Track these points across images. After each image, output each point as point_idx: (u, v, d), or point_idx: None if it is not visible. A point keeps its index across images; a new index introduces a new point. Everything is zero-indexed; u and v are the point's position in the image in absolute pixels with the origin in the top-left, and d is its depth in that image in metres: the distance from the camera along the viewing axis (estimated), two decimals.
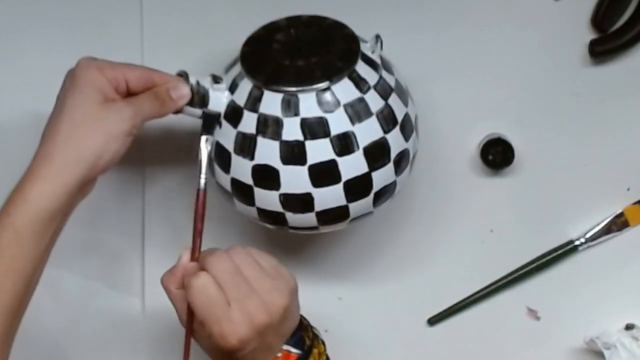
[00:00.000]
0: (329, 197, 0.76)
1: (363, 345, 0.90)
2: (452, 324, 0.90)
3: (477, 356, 0.87)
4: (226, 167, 0.78)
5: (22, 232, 0.68)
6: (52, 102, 0.89)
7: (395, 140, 0.78)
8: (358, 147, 0.76)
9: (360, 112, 0.76)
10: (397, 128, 0.78)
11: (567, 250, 0.90)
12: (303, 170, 0.75)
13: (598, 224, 0.90)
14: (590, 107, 0.90)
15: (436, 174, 0.90)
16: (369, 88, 0.77)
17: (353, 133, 0.75)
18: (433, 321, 0.90)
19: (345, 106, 0.75)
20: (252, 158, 0.76)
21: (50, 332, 0.91)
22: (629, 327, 0.87)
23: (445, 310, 0.90)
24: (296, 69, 0.76)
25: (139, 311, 0.90)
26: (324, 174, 0.75)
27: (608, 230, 0.90)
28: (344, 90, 0.76)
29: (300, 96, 0.75)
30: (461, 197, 0.90)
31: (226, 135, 0.77)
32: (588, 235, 0.90)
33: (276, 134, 0.75)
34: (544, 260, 0.89)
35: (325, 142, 0.75)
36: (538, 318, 0.89)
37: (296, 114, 0.75)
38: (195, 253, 0.73)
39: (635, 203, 0.90)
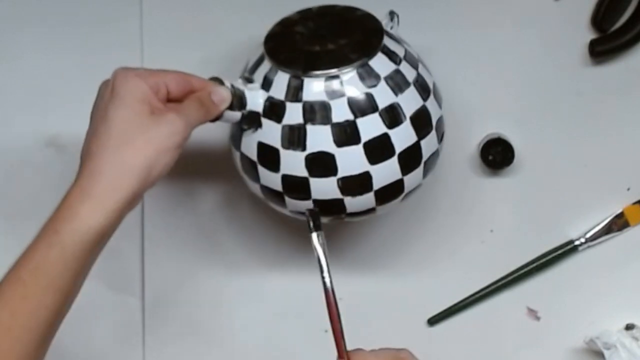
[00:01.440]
0: (386, 172, 0.77)
1: (363, 345, 0.89)
2: (452, 324, 0.90)
3: (477, 356, 0.87)
4: (275, 166, 0.77)
5: (70, 250, 0.66)
6: (51, 102, 0.90)
7: (433, 107, 0.79)
8: (405, 117, 0.76)
9: (400, 83, 0.77)
10: (432, 95, 0.79)
11: (567, 250, 0.90)
12: (358, 150, 0.75)
13: (598, 224, 0.90)
14: (590, 107, 0.90)
15: (436, 173, 0.90)
16: (400, 60, 0.78)
17: (398, 104, 0.76)
18: (433, 321, 0.90)
19: (386, 79, 0.76)
20: (303, 148, 0.75)
21: None
22: (629, 327, 0.87)
23: (445, 310, 0.90)
24: (329, 52, 0.76)
25: (139, 311, 0.90)
26: (378, 149, 0.76)
27: (608, 230, 0.90)
28: (381, 64, 0.76)
29: (343, 77, 0.75)
30: (461, 197, 0.90)
31: (270, 133, 0.76)
32: (588, 235, 0.90)
33: (326, 118, 0.75)
34: (544, 260, 0.89)
35: (375, 116, 0.75)
36: (538, 318, 0.89)
37: (342, 94, 0.75)
38: (343, 355, 0.73)
39: (635, 203, 0.90)
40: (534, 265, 0.89)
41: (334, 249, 0.90)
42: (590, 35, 0.89)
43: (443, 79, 0.90)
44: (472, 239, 0.90)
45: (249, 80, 0.78)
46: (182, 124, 0.69)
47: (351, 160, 0.76)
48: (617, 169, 0.90)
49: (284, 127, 0.76)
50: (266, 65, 0.78)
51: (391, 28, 0.80)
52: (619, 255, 0.90)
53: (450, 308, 0.90)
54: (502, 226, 0.90)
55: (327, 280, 0.72)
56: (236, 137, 0.80)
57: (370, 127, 0.75)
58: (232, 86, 0.76)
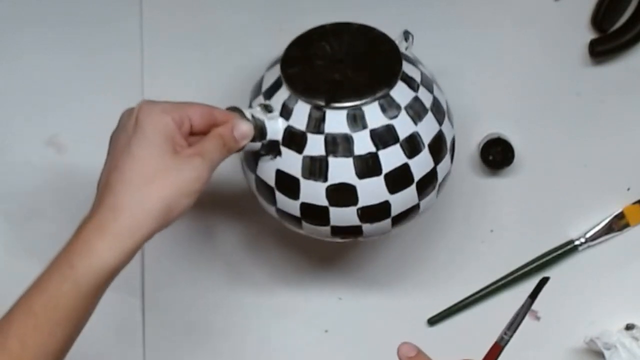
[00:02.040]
0: (404, 199, 0.77)
1: (363, 345, 0.89)
2: (452, 324, 0.90)
3: (477, 356, 0.86)
4: (294, 194, 0.77)
5: (83, 285, 0.65)
6: (51, 102, 0.90)
7: (447, 130, 0.79)
8: (424, 146, 0.76)
9: (419, 111, 0.76)
10: (446, 117, 0.79)
11: (567, 250, 0.90)
12: (379, 181, 0.75)
13: (598, 224, 0.90)
14: (590, 107, 0.90)
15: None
16: (418, 86, 0.77)
17: (417, 133, 0.76)
18: (433, 321, 0.89)
19: (406, 108, 0.76)
20: (325, 180, 0.75)
21: None
22: (629, 327, 0.87)
23: (445, 310, 0.90)
24: (350, 81, 0.75)
25: (139, 311, 0.90)
26: (398, 179, 0.76)
27: (608, 230, 0.90)
28: (401, 93, 0.76)
29: (365, 108, 0.75)
30: (461, 197, 0.90)
31: (289, 162, 0.76)
32: (588, 235, 0.90)
33: (348, 151, 0.74)
34: (544, 260, 0.89)
35: (396, 148, 0.75)
36: (538, 318, 0.89)
37: (364, 126, 0.74)
38: None
39: (635, 203, 0.90)
40: (534, 265, 0.89)
41: (333, 249, 0.91)
42: (590, 35, 0.89)
43: (442, 78, 0.90)
44: (472, 239, 0.90)
45: (268, 109, 0.76)
46: (206, 169, 0.69)
47: (372, 191, 0.76)
48: (617, 169, 0.90)
49: (304, 157, 0.75)
50: (284, 92, 0.76)
51: (406, 49, 0.79)
52: (619, 255, 0.90)
53: (450, 308, 0.90)
54: (502, 226, 0.90)
55: (507, 338, 0.71)
56: (251, 161, 0.79)
57: (392, 158, 0.75)
58: (253, 117, 0.75)
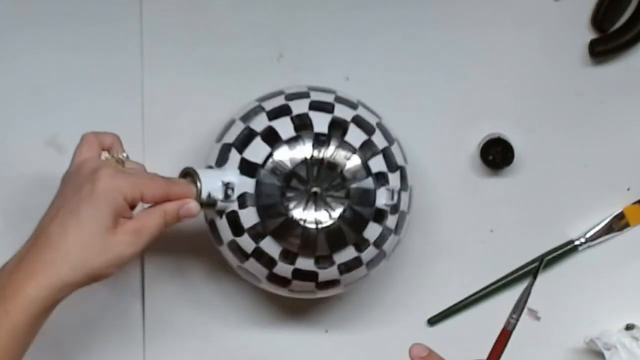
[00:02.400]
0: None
1: (363, 345, 0.89)
2: (452, 324, 0.90)
3: (477, 356, 0.87)
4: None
5: (19, 326, 0.70)
6: (51, 102, 0.90)
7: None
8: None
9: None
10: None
11: (567, 250, 0.89)
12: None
13: (598, 224, 0.90)
14: (590, 107, 0.90)
15: (436, 174, 0.90)
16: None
17: None
18: (433, 321, 0.90)
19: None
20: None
21: (51, 332, 0.90)
22: (629, 327, 0.87)
23: (445, 310, 0.90)
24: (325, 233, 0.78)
25: (139, 311, 0.90)
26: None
27: (608, 230, 0.90)
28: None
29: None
30: (461, 197, 0.90)
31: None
32: (588, 235, 0.90)
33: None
34: (545, 260, 0.89)
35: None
36: (538, 318, 0.89)
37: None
38: None
39: (635, 203, 0.90)
40: (534, 265, 0.89)
41: None
42: (590, 35, 0.89)
43: (443, 78, 0.90)
44: (472, 239, 0.90)
45: (228, 195, 0.78)
46: (141, 245, 0.73)
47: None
48: (617, 169, 0.90)
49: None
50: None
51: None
52: (619, 255, 0.90)
53: (450, 308, 0.90)
54: (502, 226, 0.90)
55: (514, 322, 0.71)
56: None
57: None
58: (209, 196, 0.77)
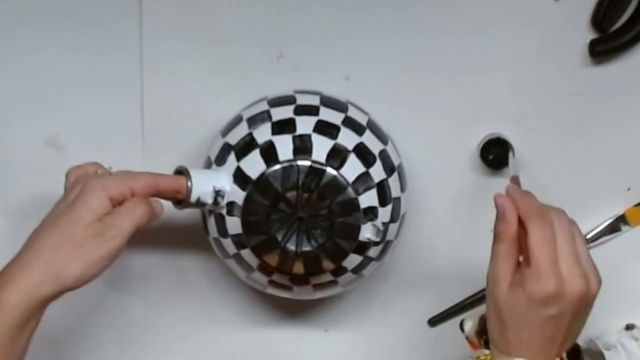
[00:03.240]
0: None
1: (363, 345, 0.90)
2: (452, 325, 0.90)
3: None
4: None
5: (5, 332, 0.70)
6: (51, 102, 0.90)
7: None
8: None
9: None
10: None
11: None
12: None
13: (599, 225, 0.90)
14: (590, 107, 0.90)
15: (436, 174, 0.90)
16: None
17: None
18: (433, 322, 0.90)
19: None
20: None
21: (51, 332, 0.91)
22: (629, 327, 0.87)
23: (445, 311, 0.90)
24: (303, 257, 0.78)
25: (139, 311, 0.90)
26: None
27: (609, 231, 0.90)
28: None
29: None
30: (461, 197, 0.90)
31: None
32: (589, 236, 0.90)
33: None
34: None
35: None
36: None
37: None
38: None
39: (636, 205, 0.90)
40: None
41: None
42: (590, 35, 0.89)
43: (443, 78, 0.90)
44: (472, 239, 0.90)
45: (217, 200, 0.78)
46: (104, 252, 0.71)
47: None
48: (617, 169, 0.90)
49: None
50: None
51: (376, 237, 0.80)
52: (620, 256, 0.90)
53: (450, 308, 0.90)
54: None
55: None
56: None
57: None
58: (198, 200, 0.77)
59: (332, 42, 0.89)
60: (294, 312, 0.90)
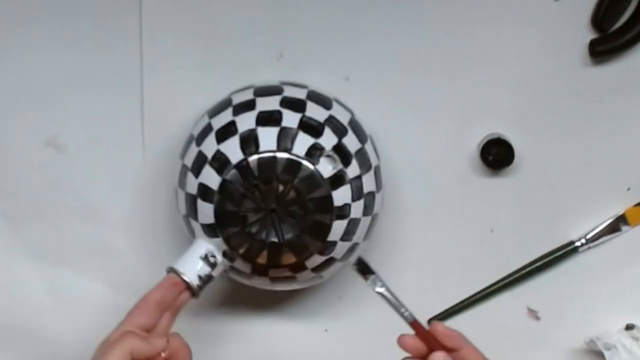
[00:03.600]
0: None
1: (363, 345, 0.89)
2: (452, 325, 0.89)
3: (476, 356, 0.87)
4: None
5: None
6: (51, 102, 0.90)
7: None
8: None
9: None
10: None
11: (567, 251, 0.89)
12: None
13: (599, 225, 0.90)
14: (590, 107, 0.90)
15: (436, 174, 0.90)
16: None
17: None
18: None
19: None
20: None
21: (50, 332, 0.91)
22: (629, 327, 0.87)
23: (445, 311, 0.90)
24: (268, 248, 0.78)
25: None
26: None
27: (609, 231, 0.90)
28: None
29: None
30: (461, 197, 0.90)
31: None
32: (589, 236, 0.90)
33: None
34: (545, 260, 0.89)
35: None
36: (538, 318, 0.89)
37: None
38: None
39: (636, 205, 0.90)
40: (535, 265, 0.89)
41: None
42: (590, 35, 0.89)
43: (443, 78, 0.90)
44: (472, 239, 0.90)
45: (214, 264, 0.79)
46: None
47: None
48: (617, 169, 0.90)
49: None
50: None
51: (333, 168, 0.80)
52: (620, 256, 0.90)
53: (450, 308, 0.90)
54: (502, 226, 0.90)
55: (407, 313, 0.76)
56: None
57: None
58: (200, 278, 0.78)
59: (332, 42, 0.89)
60: (294, 312, 0.90)
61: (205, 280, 0.79)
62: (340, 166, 0.78)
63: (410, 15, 0.90)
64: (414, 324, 0.75)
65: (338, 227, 0.79)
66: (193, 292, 0.78)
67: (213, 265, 0.79)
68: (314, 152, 0.78)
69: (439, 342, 0.73)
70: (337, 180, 0.78)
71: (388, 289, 0.76)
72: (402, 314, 0.75)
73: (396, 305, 0.76)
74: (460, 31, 0.90)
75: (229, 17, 0.89)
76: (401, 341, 0.75)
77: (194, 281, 0.78)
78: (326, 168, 0.78)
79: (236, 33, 0.89)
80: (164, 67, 0.89)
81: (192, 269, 0.78)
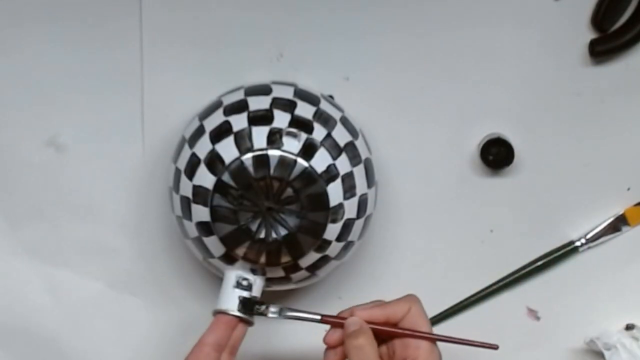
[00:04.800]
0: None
1: None
2: (452, 324, 0.90)
3: (477, 356, 0.87)
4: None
5: None
6: (51, 102, 0.90)
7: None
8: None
9: None
10: None
11: (567, 250, 0.89)
12: None
13: (599, 225, 0.90)
14: (590, 107, 0.90)
15: (436, 174, 0.90)
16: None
17: None
18: (433, 321, 0.89)
19: None
20: None
21: (51, 332, 0.91)
22: (629, 327, 0.87)
23: (445, 311, 0.90)
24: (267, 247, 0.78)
25: (140, 311, 0.90)
26: None
27: (609, 231, 0.90)
28: None
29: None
30: (461, 197, 0.90)
31: None
32: (589, 236, 0.90)
33: None
34: (545, 260, 0.89)
35: None
36: (538, 318, 0.89)
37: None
38: None
39: (636, 204, 0.90)
40: (535, 265, 0.89)
41: None
42: (590, 35, 0.89)
43: (443, 78, 0.90)
44: (472, 239, 0.90)
45: (249, 287, 0.80)
46: None
47: None
48: (617, 169, 0.90)
49: None
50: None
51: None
52: (620, 256, 0.90)
53: (450, 308, 0.90)
54: (502, 226, 0.90)
55: (312, 316, 0.78)
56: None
57: None
58: (242, 307, 0.79)
59: (332, 42, 0.89)
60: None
61: (250, 305, 0.78)
62: (305, 136, 0.78)
63: (410, 15, 0.89)
64: (323, 319, 0.77)
65: (333, 227, 0.79)
66: (245, 321, 0.78)
67: (249, 287, 0.79)
68: (274, 138, 0.77)
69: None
70: (329, 174, 0.78)
71: (282, 308, 0.78)
72: (311, 320, 0.77)
73: (301, 317, 0.77)
74: (460, 31, 0.90)
75: (229, 17, 0.89)
76: (327, 341, 0.77)
77: (240, 311, 0.78)
78: (292, 145, 0.78)
79: (236, 33, 0.89)
80: (164, 67, 0.89)
81: (232, 300, 0.78)
